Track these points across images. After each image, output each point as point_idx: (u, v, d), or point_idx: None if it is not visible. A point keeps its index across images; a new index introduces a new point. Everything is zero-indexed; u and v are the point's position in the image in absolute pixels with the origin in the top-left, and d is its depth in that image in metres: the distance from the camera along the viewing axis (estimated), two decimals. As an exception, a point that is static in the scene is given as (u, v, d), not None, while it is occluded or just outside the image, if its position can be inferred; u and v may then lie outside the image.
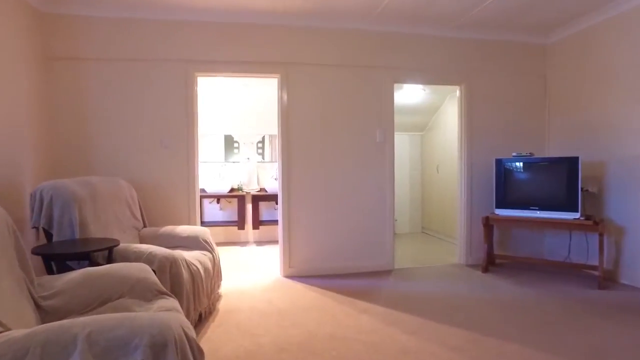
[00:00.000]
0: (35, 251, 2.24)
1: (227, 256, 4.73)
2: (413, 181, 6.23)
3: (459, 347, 2.37)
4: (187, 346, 1.31)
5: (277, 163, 4.24)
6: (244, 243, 5.61)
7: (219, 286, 3.25)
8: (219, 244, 4.16)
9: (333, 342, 2.45)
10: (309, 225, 3.95)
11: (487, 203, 4.24)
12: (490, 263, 4.16)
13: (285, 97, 3.88)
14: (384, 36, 4.04)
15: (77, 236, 2.51)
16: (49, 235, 2.54)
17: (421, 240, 5.72)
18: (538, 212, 3.78)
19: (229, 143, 5.77)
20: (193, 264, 2.65)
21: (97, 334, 1.20)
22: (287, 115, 3.88)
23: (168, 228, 3.21)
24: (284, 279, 3.83)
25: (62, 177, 3.24)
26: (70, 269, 2.12)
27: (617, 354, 2.28)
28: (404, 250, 5.01)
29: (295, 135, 3.91)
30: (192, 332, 1.39)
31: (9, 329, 1.33)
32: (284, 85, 3.87)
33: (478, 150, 4.29)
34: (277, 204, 4.93)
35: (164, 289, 1.98)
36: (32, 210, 2.55)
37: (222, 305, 3.11)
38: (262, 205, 5.67)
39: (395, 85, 4.15)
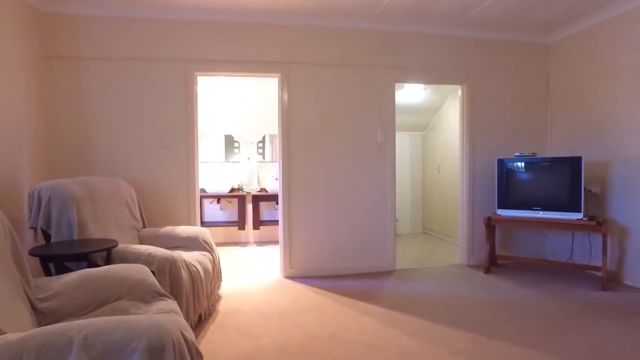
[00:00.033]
0: (32, 252, 2.22)
1: (227, 257, 4.71)
2: (414, 181, 6.20)
3: (461, 349, 2.35)
4: (186, 349, 1.29)
5: (277, 163, 4.22)
6: (244, 243, 5.58)
7: (219, 287, 3.23)
8: (219, 245, 4.15)
9: (333, 344, 2.43)
10: (309, 226, 3.93)
11: (489, 203, 4.21)
12: (492, 264, 4.13)
13: (285, 96, 3.86)
14: (385, 35, 4.02)
15: (76, 237, 2.49)
16: (47, 235, 2.52)
17: (422, 240, 5.69)
18: (540, 213, 3.75)
19: (229, 143, 5.75)
20: (193, 265, 2.64)
21: (94, 338, 1.17)
22: (287, 115, 3.86)
23: (168, 228, 3.20)
24: (285, 279, 3.81)
25: (61, 177, 3.22)
26: (69, 270, 2.10)
27: (620, 356, 2.25)
28: (405, 250, 4.98)
29: (295, 135, 3.89)
30: (190, 335, 1.37)
31: (4, 332, 1.31)
32: (284, 85, 3.85)
33: (480, 150, 4.27)
34: (277, 204, 4.92)
35: (163, 291, 1.96)
36: (30, 210, 2.53)
37: (222, 306, 3.09)
38: (263, 205, 5.65)
39: (397, 84, 4.12)
